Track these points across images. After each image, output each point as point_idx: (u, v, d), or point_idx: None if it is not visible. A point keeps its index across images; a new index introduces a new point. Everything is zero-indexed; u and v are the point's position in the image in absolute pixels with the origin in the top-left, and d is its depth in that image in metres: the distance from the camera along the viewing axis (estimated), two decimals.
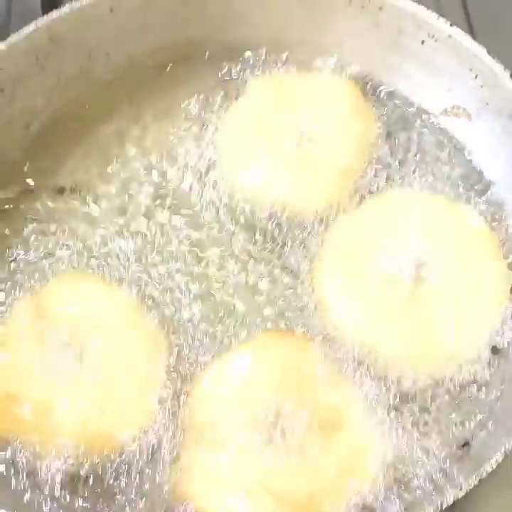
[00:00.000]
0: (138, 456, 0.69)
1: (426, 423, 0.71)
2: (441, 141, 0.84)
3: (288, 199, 0.80)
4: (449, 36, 0.79)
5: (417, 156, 0.83)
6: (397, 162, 0.83)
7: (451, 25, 0.79)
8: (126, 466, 0.69)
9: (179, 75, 0.88)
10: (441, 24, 0.79)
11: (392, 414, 0.70)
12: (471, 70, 0.79)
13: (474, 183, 0.82)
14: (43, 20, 0.79)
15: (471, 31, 0.79)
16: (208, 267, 0.78)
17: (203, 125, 0.85)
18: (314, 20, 0.85)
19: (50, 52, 0.81)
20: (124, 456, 0.69)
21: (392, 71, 0.85)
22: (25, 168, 0.82)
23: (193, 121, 0.85)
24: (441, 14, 0.80)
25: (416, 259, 0.76)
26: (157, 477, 0.69)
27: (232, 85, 0.87)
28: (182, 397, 0.71)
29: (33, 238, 0.79)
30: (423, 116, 0.85)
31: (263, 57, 0.87)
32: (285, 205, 0.80)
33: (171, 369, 0.72)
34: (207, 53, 0.88)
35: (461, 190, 0.81)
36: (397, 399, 0.71)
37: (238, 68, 0.87)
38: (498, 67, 0.76)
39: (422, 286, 0.75)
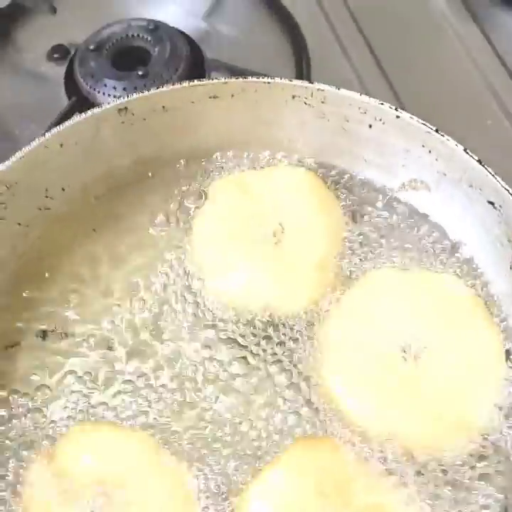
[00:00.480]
0: None
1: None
2: (406, 214, 0.87)
3: (272, 302, 0.81)
4: (397, 117, 0.82)
5: (386, 232, 0.85)
6: (368, 243, 0.85)
7: (396, 109, 0.82)
8: None
9: (132, 196, 0.88)
10: (386, 107, 0.82)
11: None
12: (423, 146, 0.82)
13: (445, 248, 0.85)
14: None
15: (402, 108, 0.82)
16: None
17: (171, 241, 0.85)
18: (262, 119, 0.86)
19: (8, 200, 0.80)
20: None
21: (346, 157, 0.88)
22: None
23: (159, 239, 0.86)
24: (368, 94, 0.83)
25: (411, 337, 0.78)
26: None
27: (190, 197, 0.87)
28: None
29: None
30: (383, 194, 0.87)
31: (218, 163, 0.88)
32: (269, 309, 0.81)
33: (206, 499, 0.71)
34: (157, 171, 0.88)
35: (434, 256, 0.84)
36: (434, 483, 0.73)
37: (195, 178, 0.88)
38: (450, 143, 0.80)
39: (420, 363, 0.77)
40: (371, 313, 0.80)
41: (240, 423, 0.76)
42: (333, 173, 0.88)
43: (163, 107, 0.84)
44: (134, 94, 0.83)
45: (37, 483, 0.71)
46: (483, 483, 0.73)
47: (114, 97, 1.03)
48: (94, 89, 1.06)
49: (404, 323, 0.79)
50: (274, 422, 0.76)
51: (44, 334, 0.81)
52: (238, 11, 1.17)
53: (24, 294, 0.82)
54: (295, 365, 0.79)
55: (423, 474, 0.73)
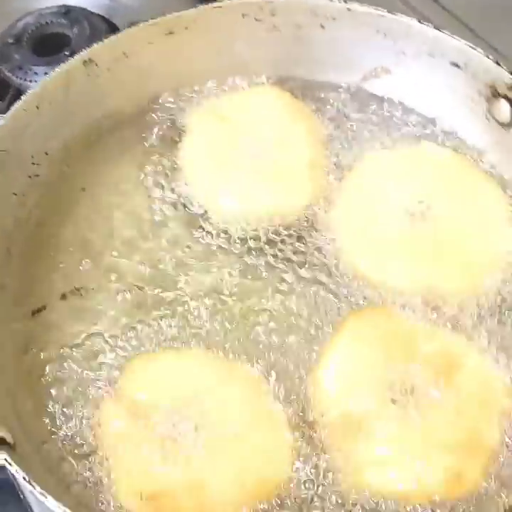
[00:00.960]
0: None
1: None
2: (376, 102, 0.91)
3: (277, 207, 0.83)
4: (348, 10, 0.86)
5: (362, 123, 0.89)
6: (348, 136, 0.88)
7: (345, 1, 0.86)
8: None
9: (113, 147, 0.88)
10: (336, 3, 0.86)
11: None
12: (378, 31, 0.87)
13: (421, 123, 0.89)
14: None
15: None
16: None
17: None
18: (219, 46, 0.89)
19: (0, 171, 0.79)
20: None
21: (304, 65, 0.91)
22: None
23: (148, 180, 0.86)
24: None
25: (415, 202, 0.82)
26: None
27: (170, 136, 0.88)
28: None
29: None
30: (348, 90, 0.91)
31: (186, 98, 0.90)
32: (277, 212, 0.83)
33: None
34: (132, 118, 0.89)
35: (412, 134, 0.88)
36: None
37: (170, 118, 0.89)
38: (404, 18, 0.84)
39: (429, 220, 0.81)
40: (373, 191, 0.83)
41: (290, 317, 0.78)
42: (296, 83, 0.91)
43: (124, 52, 0.85)
44: (95, 44, 0.83)
45: (110, 420, 0.71)
46: None
47: None
48: (26, 80, 1.05)
49: (406, 192, 0.82)
50: (319, 308, 0.78)
51: (66, 295, 0.80)
52: None
53: (38, 261, 0.81)
54: (316, 256, 0.81)
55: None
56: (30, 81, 1.04)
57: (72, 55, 1.02)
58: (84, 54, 0.82)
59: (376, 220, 0.81)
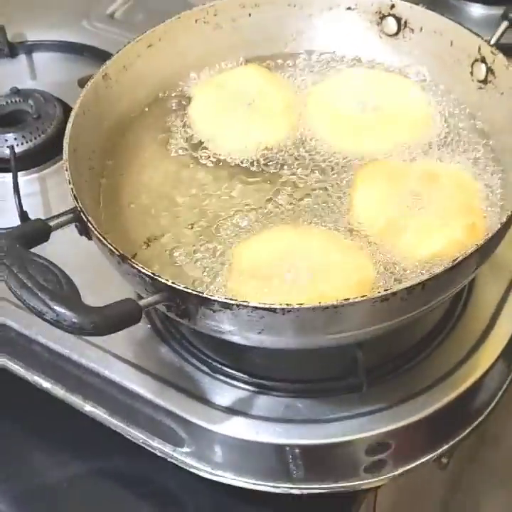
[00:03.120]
0: None
1: None
2: (309, 54, 1.25)
3: (266, 138, 1.14)
4: None
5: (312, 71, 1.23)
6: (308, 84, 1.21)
7: None
8: None
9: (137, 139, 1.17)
10: None
11: None
12: (289, 5, 1.22)
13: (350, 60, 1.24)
14: None
15: None
16: None
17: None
18: (188, 47, 1.20)
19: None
20: None
21: (248, 51, 1.24)
22: None
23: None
24: None
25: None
26: None
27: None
28: None
29: None
30: (290, 54, 1.25)
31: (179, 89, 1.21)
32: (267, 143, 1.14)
33: None
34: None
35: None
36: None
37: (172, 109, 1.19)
38: None
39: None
40: (333, 98, 1.17)
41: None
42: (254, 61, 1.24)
43: (124, 66, 1.15)
44: (109, 60, 1.12)
45: None
46: None
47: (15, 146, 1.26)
48: None
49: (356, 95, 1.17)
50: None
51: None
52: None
53: None
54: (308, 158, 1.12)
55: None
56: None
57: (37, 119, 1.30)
58: (102, 69, 1.11)
59: (340, 113, 1.15)
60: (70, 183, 0.96)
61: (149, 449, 1.06)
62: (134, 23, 1.60)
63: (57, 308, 0.79)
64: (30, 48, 1.52)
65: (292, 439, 0.98)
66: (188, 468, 1.05)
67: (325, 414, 1.00)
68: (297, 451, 0.99)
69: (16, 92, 1.38)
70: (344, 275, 0.94)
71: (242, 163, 1.12)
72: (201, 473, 1.04)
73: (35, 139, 1.30)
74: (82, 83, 1.24)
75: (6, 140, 1.30)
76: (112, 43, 1.47)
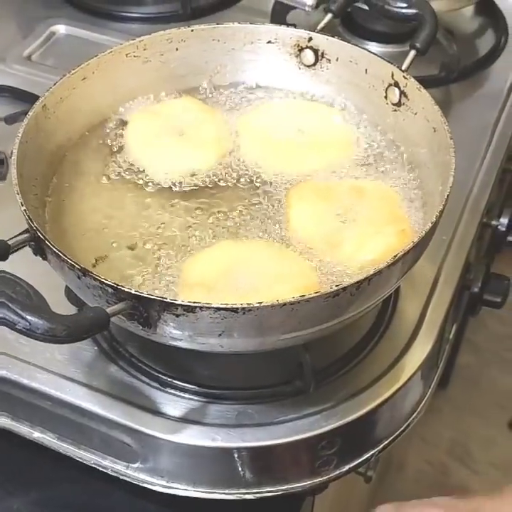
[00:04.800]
0: None
1: None
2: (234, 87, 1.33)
3: (196, 164, 1.21)
4: (192, 31, 1.28)
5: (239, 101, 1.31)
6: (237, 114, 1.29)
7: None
8: None
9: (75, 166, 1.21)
10: (183, 29, 1.28)
11: None
12: (213, 39, 1.29)
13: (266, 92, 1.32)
14: None
15: None
16: None
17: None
18: (120, 80, 1.26)
19: None
20: None
21: (179, 83, 1.31)
22: None
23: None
24: None
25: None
26: None
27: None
28: None
29: None
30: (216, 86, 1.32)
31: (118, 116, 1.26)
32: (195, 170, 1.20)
33: None
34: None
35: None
36: None
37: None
38: (230, 24, 1.28)
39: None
40: (264, 125, 1.25)
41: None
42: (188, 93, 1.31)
43: (61, 98, 1.19)
44: (47, 91, 1.16)
45: None
46: None
47: None
48: None
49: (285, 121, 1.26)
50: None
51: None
52: None
53: None
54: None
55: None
56: None
57: None
58: (41, 100, 1.15)
59: (270, 139, 1.23)
60: (22, 205, 0.99)
61: (101, 469, 1.08)
62: (51, 64, 1.65)
63: (29, 317, 0.81)
64: None
65: (246, 442, 1.03)
66: (141, 484, 1.07)
67: (275, 417, 1.05)
68: (250, 454, 1.04)
69: None
70: (290, 281, 1.01)
71: (176, 186, 1.17)
72: (155, 488, 1.07)
73: None
74: (10, 120, 1.29)
75: None
76: (31, 83, 1.56)
